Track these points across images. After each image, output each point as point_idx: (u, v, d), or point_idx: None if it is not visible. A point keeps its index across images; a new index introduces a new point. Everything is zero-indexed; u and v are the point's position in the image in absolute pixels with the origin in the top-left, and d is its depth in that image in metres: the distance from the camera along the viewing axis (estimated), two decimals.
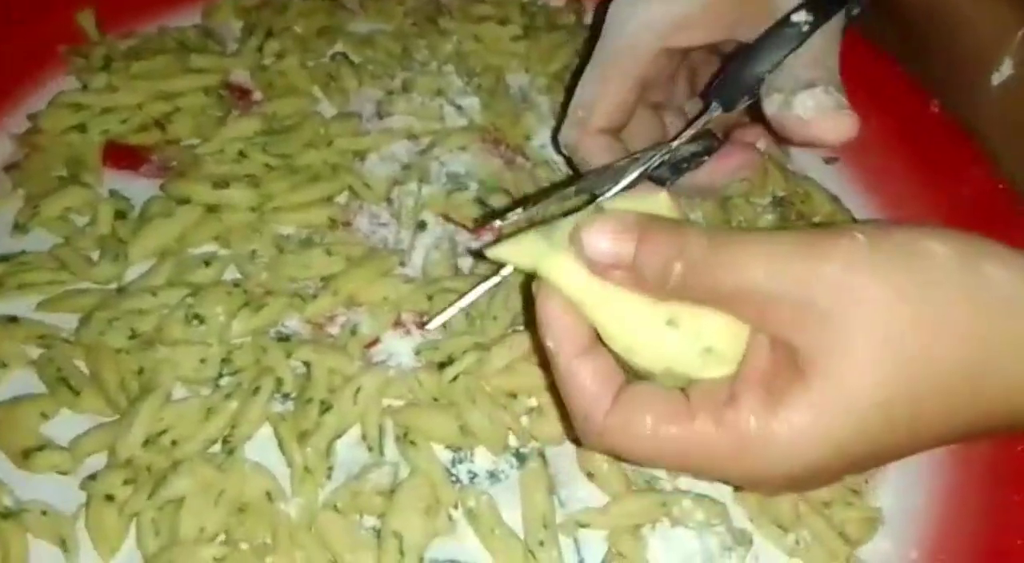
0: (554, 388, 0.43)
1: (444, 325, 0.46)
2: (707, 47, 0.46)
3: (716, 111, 0.43)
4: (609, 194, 0.42)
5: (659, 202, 0.34)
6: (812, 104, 0.39)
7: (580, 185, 0.43)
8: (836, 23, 0.42)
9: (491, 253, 0.34)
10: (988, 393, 0.30)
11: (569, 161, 0.51)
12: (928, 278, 0.29)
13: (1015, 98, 0.55)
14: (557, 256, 0.33)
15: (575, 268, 0.33)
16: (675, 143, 0.44)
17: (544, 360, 0.36)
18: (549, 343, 0.34)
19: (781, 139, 0.43)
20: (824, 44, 0.41)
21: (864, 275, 0.29)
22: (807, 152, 0.60)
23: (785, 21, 0.41)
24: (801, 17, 0.41)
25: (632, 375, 0.35)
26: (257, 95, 0.56)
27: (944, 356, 0.29)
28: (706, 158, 0.48)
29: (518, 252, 0.34)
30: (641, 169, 0.42)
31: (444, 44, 0.60)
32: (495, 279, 0.38)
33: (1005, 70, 0.57)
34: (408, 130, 0.55)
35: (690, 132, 0.44)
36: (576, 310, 0.33)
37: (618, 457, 0.37)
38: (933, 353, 0.29)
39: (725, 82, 0.43)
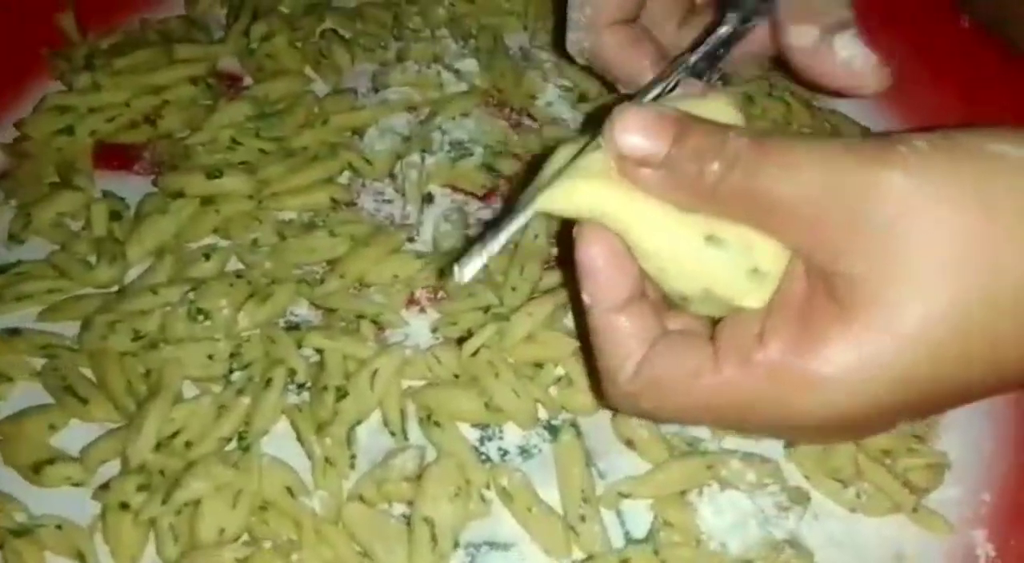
0: (583, 354, 0.41)
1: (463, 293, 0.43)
2: None
3: (733, 24, 0.39)
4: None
5: (720, 106, 0.30)
6: (857, 53, 0.36)
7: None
8: None
9: (544, 204, 0.30)
10: None
11: (591, 72, 0.46)
12: (1000, 185, 0.25)
13: None
14: (580, 173, 0.29)
15: (603, 179, 0.29)
16: (692, 57, 0.38)
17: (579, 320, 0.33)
18: (585, 295, 0.31)
19: (797, 77, 0.39)
20: None
21: (928, 184, 0.26)
22: None
23: None
24: None
25: (670, 303, 0.32)
26: (247, 81, 0.54)
27: (1020, 273, 0.25)
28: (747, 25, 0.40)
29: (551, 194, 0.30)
30: (662, 86, 0.36)
31: (436, 8, 0.57)
32: (521, 219, 0.33)
33: None
34: (406, 101, 0.52)
35: (704, 49, 0.38)
36: (618, 261, 0.30)
37: (649, 418, 0.34)
38: (1007, 270, 0.25)
39: None
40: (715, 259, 0.29)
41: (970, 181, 0.26)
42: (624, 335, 0.31)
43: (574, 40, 0.43)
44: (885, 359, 0.26)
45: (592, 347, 0.32)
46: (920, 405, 0.28)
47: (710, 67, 0.40)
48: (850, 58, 0.36)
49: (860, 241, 0.26)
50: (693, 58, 0.38)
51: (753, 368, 0.28)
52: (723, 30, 0.38)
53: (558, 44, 0.48)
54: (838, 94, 0.39)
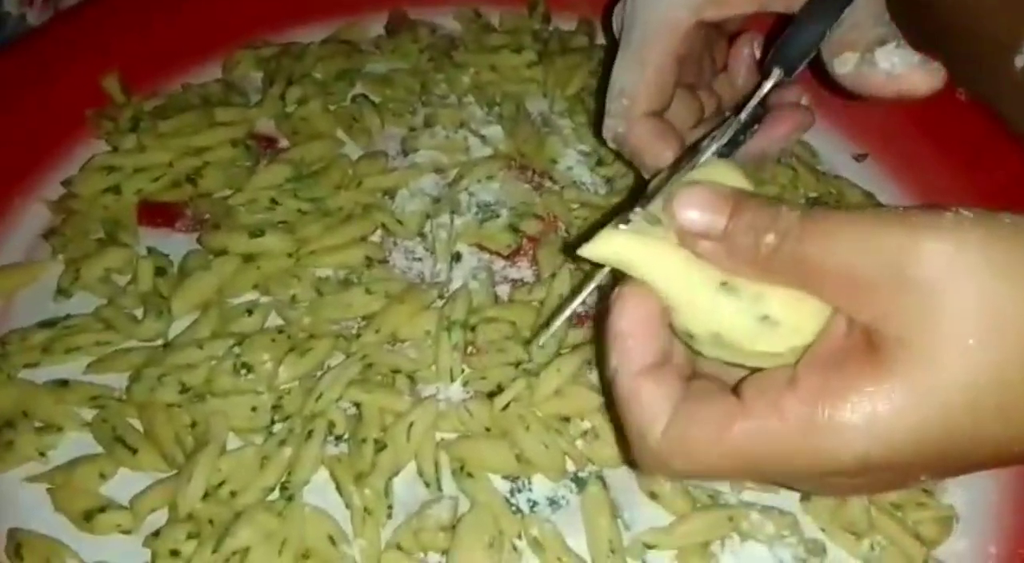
0: (610, 413, 0.43)
1: (491, 352, 0.46)
2: (735, 22, 0.46)
3: (778, 77, 0.42)
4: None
5: (730, 173, 0.33)
6: (897, 60, 0.40)
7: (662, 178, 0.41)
8: None
9: (581, 252, 0.33)
10: None
11: (619, 156, 0.50)
12: None
13: None
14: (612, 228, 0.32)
15: (631, 234, 0.32)
16: (743, 115, 0.42)
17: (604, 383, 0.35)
18: (613, 358, 0.32)
19: (854, 96, 0.42)
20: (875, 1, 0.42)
21: (970, 253, 0.27)
22: (835, 151, 0.59)
23: None
24: None
25: (687, 347, 0.34)
26: (283, 143, 0.56)
27: None
28: (756, 127, 0.47)
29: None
30: (718, 144, 0.40)
31: (461, 77, 0.60)
32: (593, 283, 0.36)
33: None
34: (435, 164, 0.55)
35: (755, 101, 0.42)
36: (650, 328, 0.32)
37: (680, 477, 0.35)
38: None
39: (785, 47, 0.43)
40: (726, 305, 0.31)
41: (1012, 252, 0.27)
42: (651, 398, 0.32)
43: (609, 126, 0.47)
44: (916, 413, 0.27)
45: (619, 412, 0.33)
46: (943, 464, 0.29)
47: (729, 149, 0.44)
48: (892, 67, 0.40)
49: (903, 304, 0.28)
50: (743, 114, 0.42)
51: (783, 412, 0.29)
52: (770, 82, 0.42)
53: (596, 130, 0.53)
54: (898, 100, 0.42)
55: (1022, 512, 0.42)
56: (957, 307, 0.27)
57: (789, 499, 0.42)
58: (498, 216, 0.53)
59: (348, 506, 0.41)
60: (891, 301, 0.28)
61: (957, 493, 0.43)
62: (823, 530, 0.42)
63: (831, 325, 0.30)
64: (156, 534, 0.40)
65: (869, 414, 0.28)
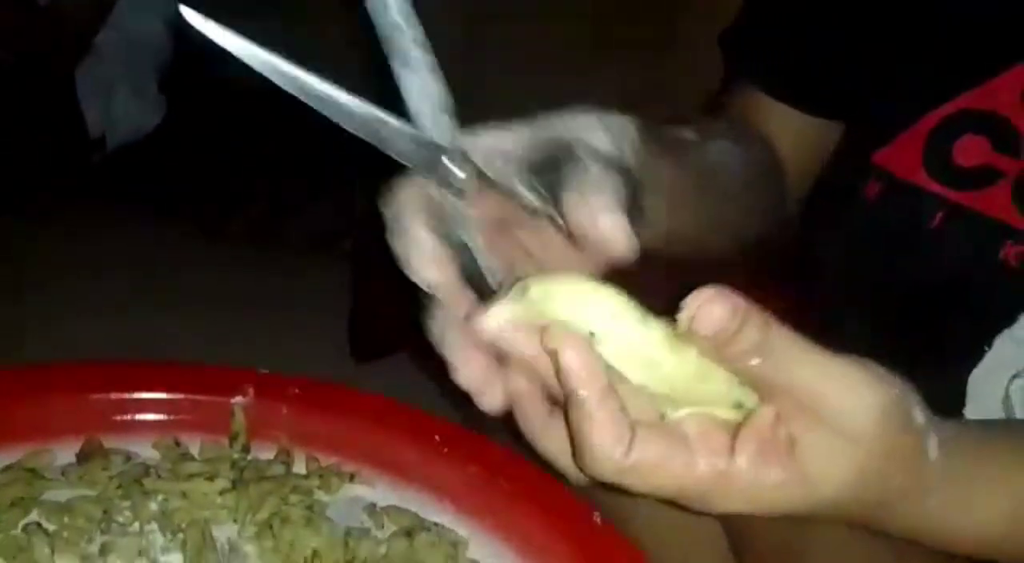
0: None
1: None
2: None
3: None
4: None
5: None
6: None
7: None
8: None
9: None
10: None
11: None
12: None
13: None
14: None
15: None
16: None
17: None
18: (580, 390, 0.36)
19: None
20: None
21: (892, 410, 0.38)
22: None
23: None
24: None
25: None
26: None
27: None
28: None
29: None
30: None
31: (149, 504, 0.61)
32: None
33: None
34: None
35: None
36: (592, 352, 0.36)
37: (626, 489, 0.39)
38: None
39: None
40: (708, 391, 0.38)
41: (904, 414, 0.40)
42: (612, 418, 0.37)
43: None
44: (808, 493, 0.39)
45: (581, 430, 0.37)
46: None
47: None
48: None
49: (826, 438, 0.38)
50: None
51: (726, 473, 0.38)
52: None
53: None
54: None
55: None
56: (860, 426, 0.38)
57: None
58: None
59: None
60: (818, 431, 0.38)
61: None
62: None
63: (762, 413, 0.38)
64: None
65: (776, 486, 0.38)
